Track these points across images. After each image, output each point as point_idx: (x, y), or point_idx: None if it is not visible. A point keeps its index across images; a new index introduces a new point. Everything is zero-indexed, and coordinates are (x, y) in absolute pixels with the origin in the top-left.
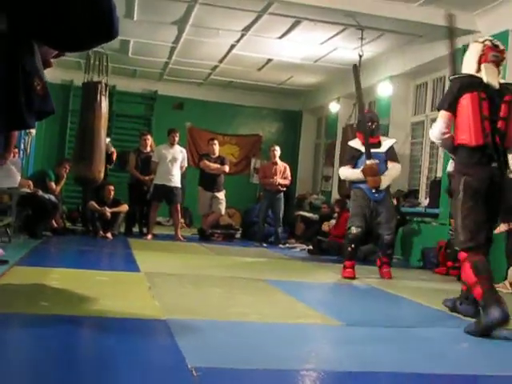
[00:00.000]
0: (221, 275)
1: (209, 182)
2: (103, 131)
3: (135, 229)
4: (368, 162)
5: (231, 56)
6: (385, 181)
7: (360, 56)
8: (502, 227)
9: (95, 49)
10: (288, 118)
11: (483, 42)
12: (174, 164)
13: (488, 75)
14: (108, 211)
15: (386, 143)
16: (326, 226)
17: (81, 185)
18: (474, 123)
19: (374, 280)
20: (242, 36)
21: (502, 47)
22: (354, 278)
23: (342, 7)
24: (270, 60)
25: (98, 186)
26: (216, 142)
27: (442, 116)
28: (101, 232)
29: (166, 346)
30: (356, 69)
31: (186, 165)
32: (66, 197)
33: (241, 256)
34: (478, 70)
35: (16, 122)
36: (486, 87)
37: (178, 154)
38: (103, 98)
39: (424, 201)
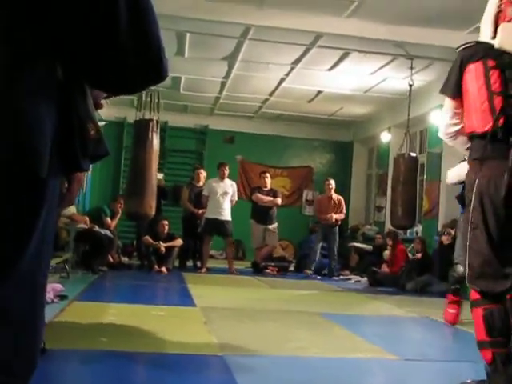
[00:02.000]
0: (276, 309)
1: (261, 214)
2: (154, 167)
3: (189, 263)
4: None
5: (281, 89)
6: None
7: (410, 85)
8: None
9: None
10: (339, 149)
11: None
12: (224, 198)
13: (505, 38)
14: (162, 246)
15: None
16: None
17: (133, 220)
18: (480, 101)
19: (431, 311)
20: (292, 69)
21: None
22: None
23: (391, 37)
24: (319, 92)
25: (152, 220)
26: (268, 174)
27: (446, 104)
28: (156, 266)
29: (224, 383)
30: None
31: (236, 198)
32: (121, 232)
33: (295, 289)
34: (495, 32)
35: (72, 167)
36: (499, 54)
37: (229, 188)
38: (154, 134)
39: None
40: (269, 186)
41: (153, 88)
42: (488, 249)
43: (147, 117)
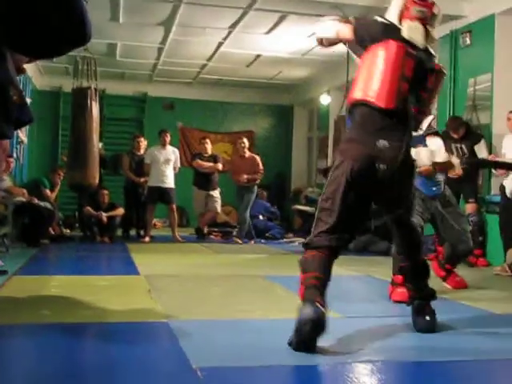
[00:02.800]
0: (220, 274)
1: (202, 180)
2: (95, 137)
3: (132, 232)
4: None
5: (219, 54)
6: None
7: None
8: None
9: (83, 53)
10: (280, 113)
11: None
12: (167, 165)
13: (411, 34)
14: (104, 216)
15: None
16: None
17: (76, 192)
18: (388, 79)
19: (372, 269)
20: (229, 33)
21: (429, 1)
22: None
23: None
24: (258, 56)
25: (93, 191)
26: (208, 140)
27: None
28: (98, 237)
29: (169, 349)
30: None
31: (178, 165)
32: (62, 203)
33: (239, 253)
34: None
35: None
36: (412, 45)
37: (171, 155)
38: (93, 103)
39: None
40: (209, 152)
41: (89, 55)
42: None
43: (85, 85)
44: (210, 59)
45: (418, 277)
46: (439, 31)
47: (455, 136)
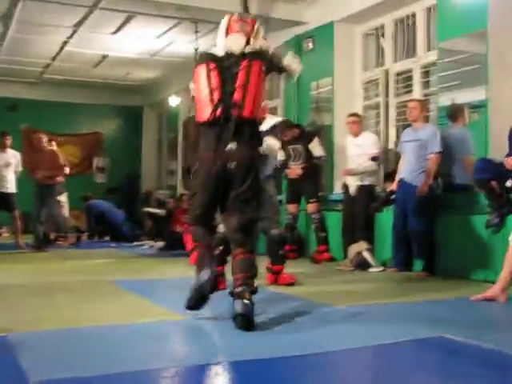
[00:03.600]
0: (67, 280)
1: None
2: None
3: None
4: None
5: (64, 53)
6: None
7: (196, 49)
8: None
9: None
10: (129, 114)
11: (230, 16)
12: (7, 169)
13: (229, 43)
14: None
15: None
16: None
17: None
18: (203, 97)
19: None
20: (74, 32)
21: (249, 19)
22: None
23: (174, 1)
24: (105, 56)
25: None
26: (54, 143)
27: None
28: None
29: (4, 364)
30: None
31: (20, 169)
32: None
33: (88, 258)
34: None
35: None
36: (220, 59)
37: (12, 159)
38: None
39: None
40: None
41: None
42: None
43: None
44: (54, 58)
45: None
46: (284, 35)
47: (285, 138)
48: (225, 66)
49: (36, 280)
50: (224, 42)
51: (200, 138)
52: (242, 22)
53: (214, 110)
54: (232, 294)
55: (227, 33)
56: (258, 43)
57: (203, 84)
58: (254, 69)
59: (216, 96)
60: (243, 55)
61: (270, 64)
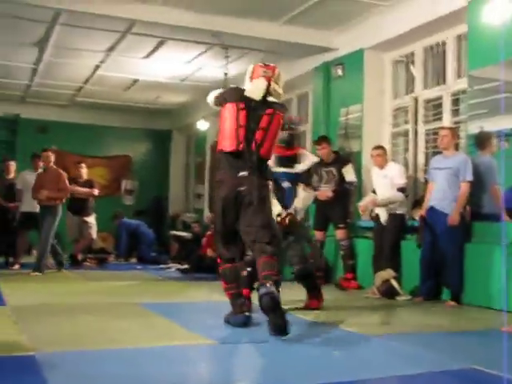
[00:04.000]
0: (92, 302)
1: (77, 206)
2: None
3: (0, 259)
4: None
5: (96, 77)
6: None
7: (225, 74)
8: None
9: None
10: (157, 138)
11: (255, 64)
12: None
13: (254, 88)
14: None
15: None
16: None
17: None
18: (229, 130)
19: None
20: (107, 56)
21: (271, 65)
22: None
23: (206, 27)
24: (136, 80)
25: None
26: (83, 165)
27: None
28: None
29: (33, 383)
30: None
31: None
32: None
33: (114, 280)
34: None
35: None
36: (248, 98)
37: None
38: None
39: None
40: (85, 177)
41: None
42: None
43: None
44: (86, 82)
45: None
46: (313, 62)
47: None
48: (251, 107)
49: (61, 300)
50: (249, 87)
51: (220, 163)
52: (265, 68)
53: (238, 144)
54: (257, 288)
55: (252, 78)
56: (277, 87)
57: (232, 120)
58: (276, 117)
59: (241, 133)
60: (265, 100)
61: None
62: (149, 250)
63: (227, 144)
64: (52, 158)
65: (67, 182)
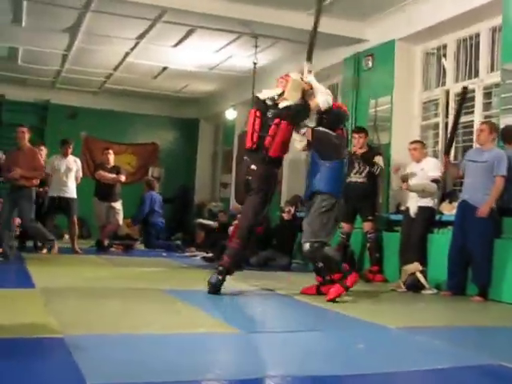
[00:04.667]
0: (119, 287)
1: (104, 192)
2: None
3: (29, 243)
4: None
5: (126, 64)
6: None
7: (255, 63)
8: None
9: None
10: (185, 126)
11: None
12: (68, 175)
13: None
14: None
15: None
16: None
17: None
18: (249, 131)
19: (273, 284)
20: (137, 44)
21: (288, 76)
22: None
23: (236, 15)
24: (165, 68)
25: None
26: (111, 151)
27: None
28: None
29: (63, 365)
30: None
31: (80, 175)
32: None
33: (139, 266)
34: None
35: None
36: (265, 107)
37: (72, 165)
38: None
39: None
40: (112, 163)
41: None
42: None
43: None
44: (116, 69)
45: None
46: (344, 52)
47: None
48: (267, 116)
49: (87, 285)
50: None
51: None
52: (280, 79)
53: (252, 144)
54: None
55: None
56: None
57: (251, 125)
58: (282, 126)
59: (255, 136)
60: (276, 106)
61: (297, 117)
62: (155, 238)
63: (247, 142)
64: (27, 135)
65: (42, 160)
